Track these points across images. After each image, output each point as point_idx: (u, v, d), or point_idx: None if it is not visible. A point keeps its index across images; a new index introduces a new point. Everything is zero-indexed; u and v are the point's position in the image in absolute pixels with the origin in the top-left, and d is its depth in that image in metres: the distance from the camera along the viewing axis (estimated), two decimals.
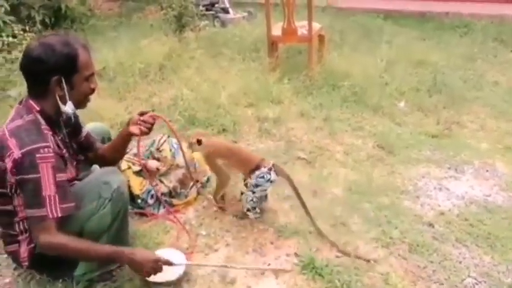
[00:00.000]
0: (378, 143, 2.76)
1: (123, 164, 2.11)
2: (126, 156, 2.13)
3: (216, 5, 6.24)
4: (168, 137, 2.33)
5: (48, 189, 1.38)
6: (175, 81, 3.65)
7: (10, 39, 4.10)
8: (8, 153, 1.40)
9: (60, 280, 1.62)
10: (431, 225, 2.02)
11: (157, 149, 2.25)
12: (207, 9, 6.11)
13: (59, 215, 1.40)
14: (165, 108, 3.17)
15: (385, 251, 1.86)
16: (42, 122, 1.48)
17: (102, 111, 2.96)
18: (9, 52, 4.15)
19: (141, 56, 3.98)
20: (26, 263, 1.57)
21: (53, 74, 1.46)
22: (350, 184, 2.34)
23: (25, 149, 1.38)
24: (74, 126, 1.71)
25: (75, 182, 1.59)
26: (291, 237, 1.92)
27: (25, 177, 1.39)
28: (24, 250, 1.55)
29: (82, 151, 1.77)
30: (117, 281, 1.67)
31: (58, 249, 1.43)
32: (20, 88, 3.63)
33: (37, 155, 1.38)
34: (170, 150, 2.26)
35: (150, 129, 1.73)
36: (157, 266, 1.52)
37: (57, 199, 1.39)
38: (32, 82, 1.52)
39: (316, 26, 3.86)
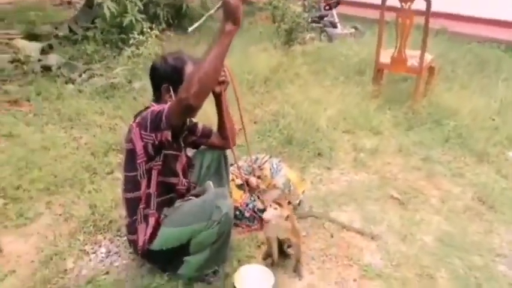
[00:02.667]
0: (479, 195, 2.64)
1: None
2: (231, 169, 2.34)
3: (325, 18, 6.31)
4: (270, 157, 2.50)
5: None
6: (278, 96, 3.83)
7: (140, 36, 4.62)
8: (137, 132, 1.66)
9: (167, 273, 1.88)
10: None
11: (259, 167, 2.43)
12: (314, 22, 6.22)
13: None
14: (266, 123, 3.36)
15: None
16: None
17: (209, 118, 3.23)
18: (137, 48, 4.67)
19: (249, 66, 4.23)
20: (141, 252, 1.84)
21: (163, 82, 1.76)
22: (442, 235, 2.29)
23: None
24: (188, 128, 1.97)
25: (193, 198, 1.81)
26: (374, 279, 1.97)
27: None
28: (141, 240, 1.81)
29: (203, 139, 2.03)
30: (212, 283, 1.88)
31: (196, 86, 1.45)
32: (143, 82, 4.10)
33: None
34: (270, 169, 2.43)
35: (225, 77, 1.81)
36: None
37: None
38: (153, 87, 1.83)
39: (427, 57, 3.76)
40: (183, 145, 1.92)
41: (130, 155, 1.74)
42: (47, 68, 4.45)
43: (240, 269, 1.93)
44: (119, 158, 2.88)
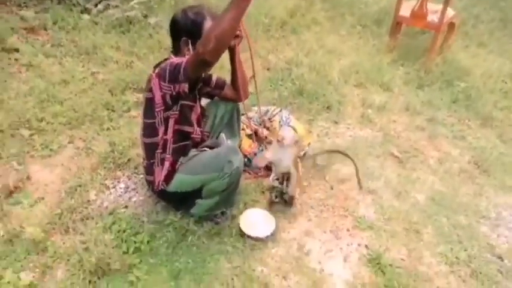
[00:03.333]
0: (475, 159, 2.77)
1: None
2: (243, 118, 2.47)
3: None
4: (280, 110, 2.61)
5: None
6: (293, 42, 3.83)
7: None
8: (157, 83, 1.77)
9: (180, 212, 2.10)
10: (500, 258, 2.13)
11: (269, 119, 2.55)
12: None
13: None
14: (279, 70, 3.41)
15: (447, 268, 2.04)
16: None
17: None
18: None
19: (266, 7, 4.16)
20: (158, 192, 2.04)
21: (182, 35, 1.82)
22: (434, 194, 2.47)
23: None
24: (203, 79, 2.07)
25: (207, 149, 1.96)
26: (366, 230, 2.18)
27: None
28: (157, 181, 1.99)
29: (216, 90, 2.14)
30: (219, 223, 2.10)
31: (213, 42, 1.51)
32: (158, 18, 4.09)
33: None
34: (279, 122, 2.55)
35: (240, 32, 1.89)
36: None
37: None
38: (172, 39, 1.89)
39: (449, 12, 3.67)
40: (198, 96, 2.03)
41: (150, 103, 1.86)
42: None
43: (246, 212, 2.15)
44: (135, 97, 3.01)
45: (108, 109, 2.88)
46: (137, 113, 2.87)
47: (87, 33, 3.80)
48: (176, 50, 1.90)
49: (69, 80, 3.13)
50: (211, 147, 1.96)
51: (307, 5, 4.37)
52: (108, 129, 2.70)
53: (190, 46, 1.84)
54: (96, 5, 4.38)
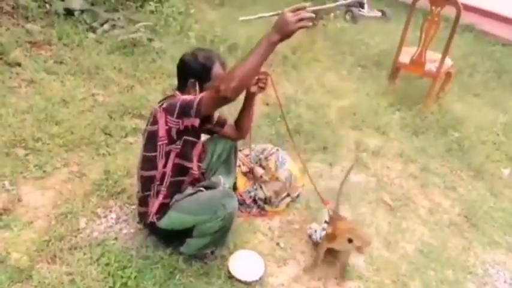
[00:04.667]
0: (465, 212, 2.80)
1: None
2: (239, 155, 2.49)
3: None
4: (277, 150, 2.63)
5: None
6: (294, 78, 3.90)
7: None
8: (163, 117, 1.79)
9: (170, 248, 2.08)
10: None
11: (265, 158, 2.57)
12: None
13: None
14: (277, 106, 3.43)
15: None
16: None
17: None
18: (161, 2, 4.66)
19: None
20: (149, 224, 2.02)
21: (191, 77, 1.88)
22: (423, 246, 2.48)
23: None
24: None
25: (202, 189, 1.97)
26: (354, 280, 2.17)
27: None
28: (150, 213, 1.99)
29: (217, 127, 2.17)
30: (208, 263, 2.09)
31: (236, 82, 1.55)
32: (162, 43, 4.15)
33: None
34: (275, 162, 2.57)
35: (265, 85, 1.96)
36: (300, 16, 1.46)
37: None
38: (179, 78, 1.95)
39: (447, 62, 3.78)
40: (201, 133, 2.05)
41: (152, 136, 1.87)
42: (69, 12, 4.45)
43: (235, 253, 2.14)
44: (134, 123, 3.02)
45: (105, 133, 2.88)
46: (134, 140, 2.88)
47: (90, 52, 3.83)
48: (181, 88, 1.94)
49: (69, 100, 3.14)
50: (207, 188, 1.97)
51: (310, 42, 4.47)
52: (104, 154, 2.70)
53: (197, 88, 1.89)
54: (102, 25, 4.44)
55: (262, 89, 1.98)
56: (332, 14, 5.23)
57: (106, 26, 4.41)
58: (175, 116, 1.77)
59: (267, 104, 3.52)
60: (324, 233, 2.22)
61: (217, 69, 1.88)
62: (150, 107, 3.10)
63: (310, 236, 2.35)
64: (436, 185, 3.01)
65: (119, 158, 2.67)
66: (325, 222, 2.26)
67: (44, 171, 2.50)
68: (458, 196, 2.96)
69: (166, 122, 1.80)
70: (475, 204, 2.89)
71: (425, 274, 2.30)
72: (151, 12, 4.71)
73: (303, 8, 1.48)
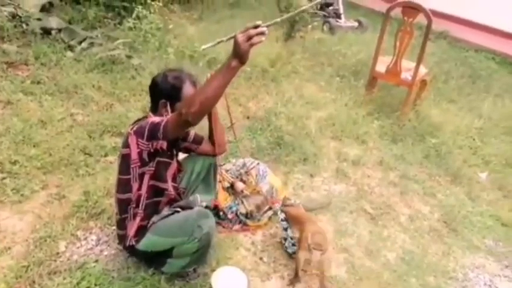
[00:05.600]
0: (445, 218, 2.86)
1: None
2: (220, 170, 2.50)
3: (331, 7, 6.29)
4: (258, 164, 2.65)
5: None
6: (273, 91, 3.94)
7: (143, 10, 4.60)
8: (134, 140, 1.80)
9: (152, 268, 2.07)
10: None
11: (246, 172, 2.59)
12: (319, 8, 6.21)
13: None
14: (258, 120, 3.48)
15: None
16: None
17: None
18: (139, 18, 4.67)
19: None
20: (128, 247, 2.01)
21: (162, 97, 1.90)
22: (404, 253, 2.52)
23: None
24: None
25: (179, 210, 1.97)
26: None
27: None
28: (128, 236, 1.97)
29: (193, 145, 2.18)
30: (190, 282, 2.08)
31: (197, 106, 1.55)
32: (141, 60, 4.15)
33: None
34: (256, 175, 2.59)
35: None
36: (248, 34, 1.43)
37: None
38: (151, 99, 1.97)
39: (421, 71, 3.87)
40: (175, 153, 2.06)
41: (126, 159, 1.88)
42: (46, 31, 4.42)
43: (218, 270, 2.13)
44: (113, 142, 3.00)
45: (85, 153, 2.86)
46: (114, 159, 2.85)
47: (68, 71, 3.80)
48: (154, 109, 1.96)
49: (47, 120, 3.11)
50: (183, 208, 1.97)
51: (288, 54, 4.53)
52: (83, 175, 2.67)
53: (168, 108, 1.91)
54: (80, 43, 4.42)
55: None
56: (310, 26, 5.32)
57: (84, 44, 4.39)
58: (145, 138, 1.78)
59: (248, 117, 3.54)
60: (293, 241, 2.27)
61: (187, 89, 1.90)
62: (133, 121, 3.10)
63: (285, 248, 2.36)
64: (416, 192, 3.06)
65: (98, 178, 2.65)
66: (282, 220, 2.35)
67: (22, 195, 2.46)
68: (437, 202, 3.02)
69: (137, 144, 1.81)
70: (453, 209, 2.95)
71: (407, 282, 2.34)
72: (130, 29, 4.70)
73: (255, 27, 1.45)
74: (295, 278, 2.17)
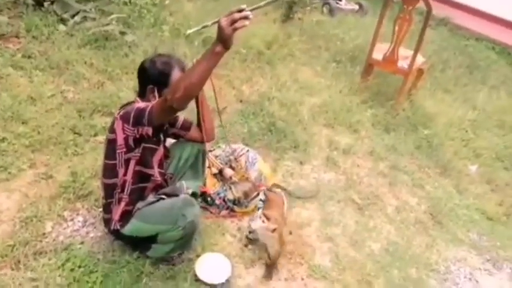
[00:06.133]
0: (431, 210, 2.89)
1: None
2: (209, 156, 2.49)
3: None
4: (248, 151, 2.64)
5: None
6: (268, 74, 3.88)
7: None
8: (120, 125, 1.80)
9: (137, 251, 2.08)
10: None
11: (235, 159, 2.58)
12: None
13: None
14: (251, 104, 3.45)
15: None
16: None
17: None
18: None
19: (244, 37, 4.19)
20: (113, 231, 2.02)
21: (150, 83, 1.89)
22: (389, 244, 2.55)
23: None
24: (169, 121, 2.09)
25: (164, 197, 1.97)
26: (320, 280, 2.22)
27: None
28: (113, 220, 1.97)
29: (182, 131, 2.17)
30: (175, 267, 2.10)
31: (182, 92, 1.54)
32: (135, 36, 4.06)
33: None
34: (245, 162, 2.58)
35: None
36: (232, 18, 1.41)
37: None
38: (139, 84, 1.95)
39: (419, 59, 3.82)
40: (162, 139, 2.04)
41: (111, 144, 1.87)
42: (39, 3, 4.30)
43: (203, 256, 2.15)
44: (103, 122, 2.97)
45: (74, 133, 2.83)
46: (103, 139, 2.79)
47: (60, 46, 3.73)
48: (142, 94, 1.94)
49: (37, 97, 3.06)
50: (169, 195, 1.97)
51: (285, 37, 4.45)
52: (72, 154, 2.66)
53: (156, 94, 1.89)
54: (73, 16, 4.31)
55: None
56: (308, 8, 5.21)
57: (77, 18, 4.28)
58: (130, 124, 1.78)
59: (241, 101, 3.51)
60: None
61: (176, 75, 1.87)
62: (120, 105, 3.06)
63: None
64: (404, 183, 3.08)
65: (87, 158, 2.63)
66: (260, 200, 2.44)
67: (9, 173, 2.45)
68: (425, 194, 3.04)
69: (123, 130, 1.81)
70: (440, 201, 2.98)
71: (389, 273, 2.38)
72: (125, 3, 4.58)
73: (239, 11, 1.42)
74: (270, 268, 2.19)
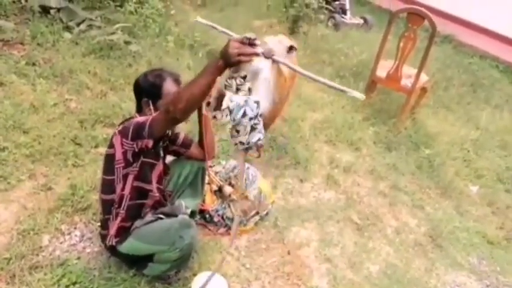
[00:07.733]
0: (431, 232, 2.86)
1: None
2: (209, 172, 2.48)
3: (337, 2, 6.18)
4: (248, 168, 2.63)
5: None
6: None
7: None
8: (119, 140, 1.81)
9: (134, 269, 2.07)
10: None
11: (235, 176, 2.57)
12: (327, 2, 6.09)
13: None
14: None
15: None
16: None
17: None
18: (141, 2, 4.58)
19: None
20: (109, 247, 2.00)
21: (144, 96, 1.91)
22: (387, 267, 2.53)
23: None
24: (170, 138, 2.10)
25: (162, 216, 1.95)
26: None
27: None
28: (110, 236, 1.96)
29: (182, 149, 2.17)
30: (171, 284, 2.09)
31: (184, 103, 1.57)
32: (139, 46, 4.08)
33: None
34: (245, 180, 2.57)
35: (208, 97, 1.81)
36: (242, 51, 1.45)
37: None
38: (136, 99, 1.98)
39: (423, 78, 3.82)
40: (162, 155, 2.04)
41: (110, 159, 1.88)
42: (45, 10, 4.33)
43: (199, 275, 2.13)
44: (105, 133, 2.97)
45: (75, 143, 2.83)
46: (104, 150, 2.81)
47: (65, 54, 3.74)
48: (139, 109, 1.96)
49: (39, 106, 3.06)
50: (168, 214, 1.96)
51: None
52: (72, 166, 2.65)
53: (151, 107, 1.91)
54: (78, 24, 4.33)
55: (209, 104, 1.85)
56: (313, 21, 5.23)
57: (83, 26, 4.30)
58: (129, 138, 1.78)
59: None
60: None
61: (168, 86, 1.89)
62: (122, 116, 3.06)
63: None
64: (405, 204, 3.06)
65: (87, 170, 2.62)
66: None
67: (9, 183, 2.44)
68: (425, 215, 3.02)
69: (122, 144, 1.81)
70: (440, 223, 2.96)
71: None
72: (131, 12, 4.60)
73: (252, 40, 1.45)
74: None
